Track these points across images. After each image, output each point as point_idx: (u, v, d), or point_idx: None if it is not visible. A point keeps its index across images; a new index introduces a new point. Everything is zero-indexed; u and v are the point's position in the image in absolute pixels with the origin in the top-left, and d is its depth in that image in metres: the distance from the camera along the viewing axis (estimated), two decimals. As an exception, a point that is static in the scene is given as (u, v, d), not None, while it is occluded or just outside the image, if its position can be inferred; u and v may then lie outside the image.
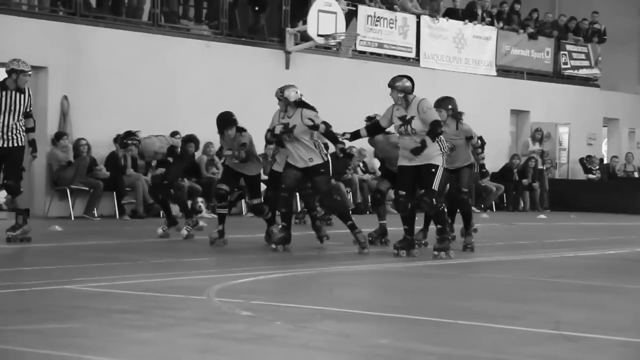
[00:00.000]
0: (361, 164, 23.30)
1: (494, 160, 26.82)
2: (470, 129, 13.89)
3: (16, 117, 12.90)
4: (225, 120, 13.72)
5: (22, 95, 12.95)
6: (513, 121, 29.17)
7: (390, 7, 25.36)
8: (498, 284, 10.86)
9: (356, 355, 6.46)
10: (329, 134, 12.93)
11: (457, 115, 13.88)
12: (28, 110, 13.09)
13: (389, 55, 25.13)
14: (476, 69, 27.32)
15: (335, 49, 23.31)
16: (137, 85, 19.84)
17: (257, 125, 21.57)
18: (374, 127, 13.09)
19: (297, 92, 13.05)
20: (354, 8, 24.07)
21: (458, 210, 14.30)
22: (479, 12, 27.59)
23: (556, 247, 15.57)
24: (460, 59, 26.81)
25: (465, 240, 13.84)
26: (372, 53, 24.80)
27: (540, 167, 27.29)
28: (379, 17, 24.86)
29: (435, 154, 12.18)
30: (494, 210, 26.11)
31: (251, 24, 22.90)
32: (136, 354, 6.35)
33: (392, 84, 12.50)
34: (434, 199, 12.09)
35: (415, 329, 7.49)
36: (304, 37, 22.75)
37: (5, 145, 12.89)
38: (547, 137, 28.08)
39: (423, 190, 12.14)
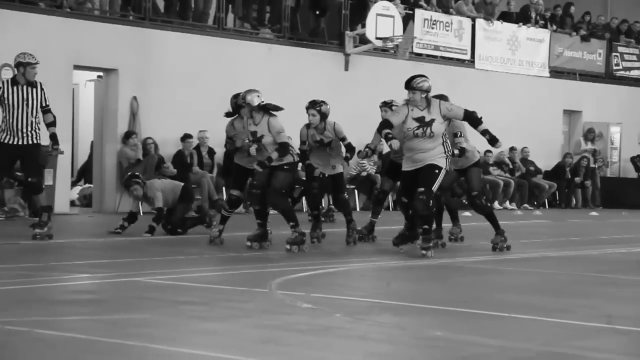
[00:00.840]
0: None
1: (547, 158, 26.75)
2: (461, 125, 12.66)
3: (32, 113, 12.39)
4: None
5: (34, 89, 12.40)
6: (566, 121, 28.89)
7: (446, 11, 25.26)
8: (551, 279, 10.81)
9: (413, 347, 6.45)
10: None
11: None
12: (44, 104, 12.51)
13: (444, 57, 25.01)
14: (529, 70, 27.08)
15: (392, 51, 23.25)
16: (203, 86, 19.91)
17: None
18: (383, 125, 11.96)
19: (259, 97, 12.09)
20: (411, 12, 23.99)
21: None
22: (533, 15, 27.37)
23: (608, 243, 15.41)
24: (514, 60, 26.60)
25: (493, 240, 12.82)
26: (428, 55, 24.67)
27: (592, 165, 27.02)
28: (435, 20, 24.75)
29: (439, 156, 11.58)
30: (547, 207, 25.91)
31: (312, 28, 22.87)
32: (203, 344, 6.38)
33: (415, 85, 11.72)
34: (430, 200, 11.45)
35: (470, 322, 7.46)
36: (363, 39, 22.71)
37: (21, 143, 12.40)
38: (599, 136, 27.81)
39: (422, 189, 11.36)
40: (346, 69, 22.88)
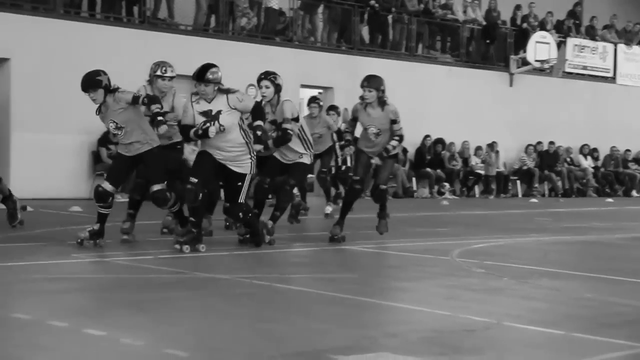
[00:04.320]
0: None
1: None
2: (397, 112, 9.32)
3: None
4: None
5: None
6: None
7: (592, 38, 24.64)
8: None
9: (567, 305, 6.31)
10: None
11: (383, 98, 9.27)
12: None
13: (591, 75, 24.37)
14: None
15: (548, 70, 22.91)
16: (396, 101, 19.95)
17: (486, 133, 21.49)
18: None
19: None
20: (563, 39, 23.61)
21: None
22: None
23: None
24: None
25: (332, 231, 9.48)
26: (577, 73, 24.12)
27: None
28: (583, 45, 24.20)
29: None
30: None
31: (483, 53, 22.70)
32: (399, 298, 6.44)
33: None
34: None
35: (614, 287, 7.24)
36: (524, 62, 22.43)
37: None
38: None
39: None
40: (510, 85, 22.62)
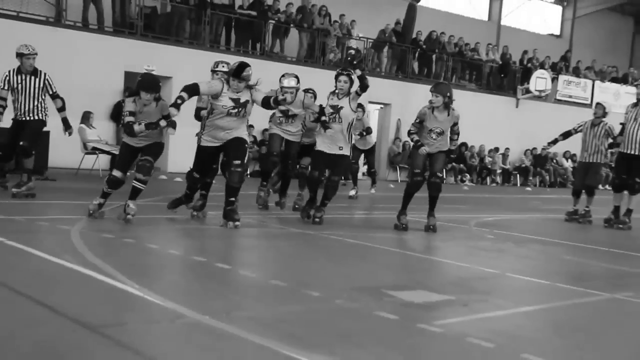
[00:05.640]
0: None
1: None
2: (459, 117, 7.75)
3: (34, 100, 7.98)
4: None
5: (36, 79, 7.92)
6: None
7: (577, 76, 23.95)
8: None
9: (552, 263, 6.12)
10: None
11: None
12: (51, 92, 8.02)
13: (574, 102, 23.63)
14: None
15: (544, 98, 22.31)
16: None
17: (498, 140, 21.04)
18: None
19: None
20: (556, 75, 22.94)
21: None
22: (630, 79, 25.32)
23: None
24: (617, 105, 24.64)
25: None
26: (565, 101, 23.41)
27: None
28: (570, 81, 23.45)
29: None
30: None
31: (498, 83, 22.24)
32: (433, 253, 6.31)
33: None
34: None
35: (588, 252, 6.96)
36: (527, 91, 21.86)
37: (23, 119, 7.99)
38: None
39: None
40: (516, 107, 22.08)
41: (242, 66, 6.51)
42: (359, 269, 5.14)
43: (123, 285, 3.93)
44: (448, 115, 7.55)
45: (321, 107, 7.43)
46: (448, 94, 7.45)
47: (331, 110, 7.41)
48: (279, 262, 5.31)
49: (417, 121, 7.51)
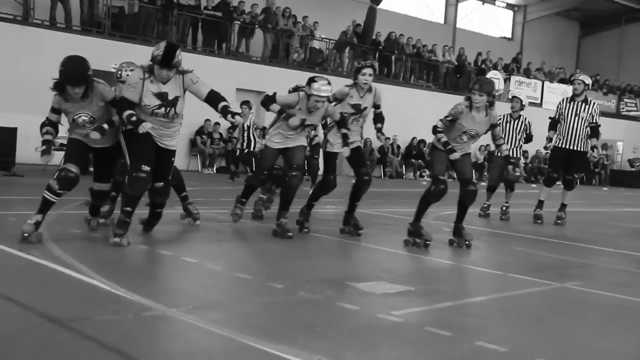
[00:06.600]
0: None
1: None
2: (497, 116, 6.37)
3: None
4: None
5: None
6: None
7: (528, 76, 24.45)
8: None
9: (504, 255, 6.16)
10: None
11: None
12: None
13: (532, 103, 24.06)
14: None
15: (497, 97, 22.52)
16: (396, 114, 19.75)
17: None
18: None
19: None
20: (508, 76, 23.35)
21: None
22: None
23: None
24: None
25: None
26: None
27: None
28: (521, 81, 23.92)
29: None
30: None
31: (454, 83, 22.47)
32: (392, 246, 6.26)
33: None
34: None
35: (538, 244, 7.02)
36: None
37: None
38: None
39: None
40: (471, 106, 22.39)
41: (172, 51, 4.76)
42: (322, 261, 5.12)
43: (90, 279, 3.85)
44: (486, 115, 6.12)
45: (342, 118, 6.07)
46: (493, 93, 6.03)
47: (353, 111, 6.19)
48: (247, 256, 5.26)
49: (449, 119, 6.18)
